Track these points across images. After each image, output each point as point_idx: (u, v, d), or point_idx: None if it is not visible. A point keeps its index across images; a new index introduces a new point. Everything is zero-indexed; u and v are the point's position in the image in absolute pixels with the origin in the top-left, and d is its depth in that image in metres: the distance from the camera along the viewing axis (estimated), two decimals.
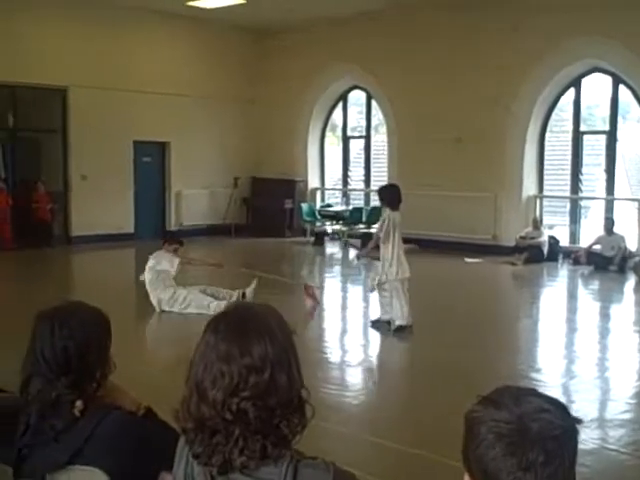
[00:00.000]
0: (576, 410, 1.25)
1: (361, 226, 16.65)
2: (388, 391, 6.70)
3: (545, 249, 13.92)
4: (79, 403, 2.25)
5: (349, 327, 8.31)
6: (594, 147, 15.01)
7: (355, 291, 11.88)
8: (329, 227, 17.66)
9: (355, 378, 7.09)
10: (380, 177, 17.46)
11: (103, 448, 2.21)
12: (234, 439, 1.62)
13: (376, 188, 16.92)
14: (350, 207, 17.55)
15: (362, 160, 18.21)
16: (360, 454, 4.88)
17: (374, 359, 7.86)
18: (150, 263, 9.29)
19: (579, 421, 1.33)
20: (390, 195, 8.33)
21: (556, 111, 15.03)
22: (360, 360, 7.72)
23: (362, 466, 4.51)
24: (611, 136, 14.25)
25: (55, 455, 2.23)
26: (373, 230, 16.17)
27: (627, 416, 5.74)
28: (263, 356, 1.64)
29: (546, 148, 15.08)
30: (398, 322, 8.12)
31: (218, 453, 1.64)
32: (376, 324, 8.43)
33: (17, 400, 3.39)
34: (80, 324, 2.32)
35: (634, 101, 13.98)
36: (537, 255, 13.74)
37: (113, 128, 15.75)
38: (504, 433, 1.28)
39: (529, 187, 14.92)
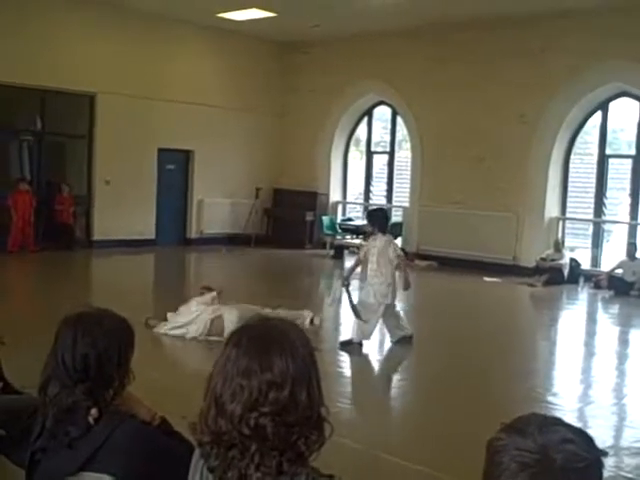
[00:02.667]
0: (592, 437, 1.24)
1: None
2: (403, 408, 6.66)
3: (566, 272, 13.81)
4: (94, 411, 2.24)
5: (364, 342, 8.27)
6: (619, 171, 14.90)
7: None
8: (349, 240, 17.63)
9: (368, 393, 7.05)
10: (402, 193, 17.45)
11: (116, 456, 2.21)
12: (250, 454, 1.61)
13: (398, 204, 17.19)
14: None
15: (385, 175, 18.19)
16: (373, 472, 4.85)
17: (388, 375, 7.82)
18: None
19: (604, 453, 1.30)
20: (380, 219, 8.50)
21: (581, 134, 14.95)
22: (376, 374, 7.70)
23: None
24: (637, 160, 14.14)
25: (68, 461, 2.23)
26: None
27: None
28: (284, 372, 1.63)
29: (570, 170, 15.00)
30: (354, 338, 8.10)
31: (234, 468, 1.63)
32: (397, 342, 8.42)
33: (32, 401, 3.40)
34: (103, 334, 2.31)
35: None
36: (557, 277, 13.62)
37: (139, 135, 15.86)
38: (528, 463, 1.25)
39: (552, 208, 14.83)
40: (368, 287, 8.23)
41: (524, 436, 1.28)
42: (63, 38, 14.73)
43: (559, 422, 1.33)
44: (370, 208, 9.34)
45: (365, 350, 8.14)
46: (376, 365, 8.14)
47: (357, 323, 8.18)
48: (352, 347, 8.05)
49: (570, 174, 15.00)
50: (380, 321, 8.30)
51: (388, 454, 5.13)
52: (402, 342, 8.39)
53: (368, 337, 8.18)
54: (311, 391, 1.66)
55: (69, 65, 14.75)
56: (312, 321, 8.41)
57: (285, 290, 12.40)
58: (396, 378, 7.72)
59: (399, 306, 8.75)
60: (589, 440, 1.31)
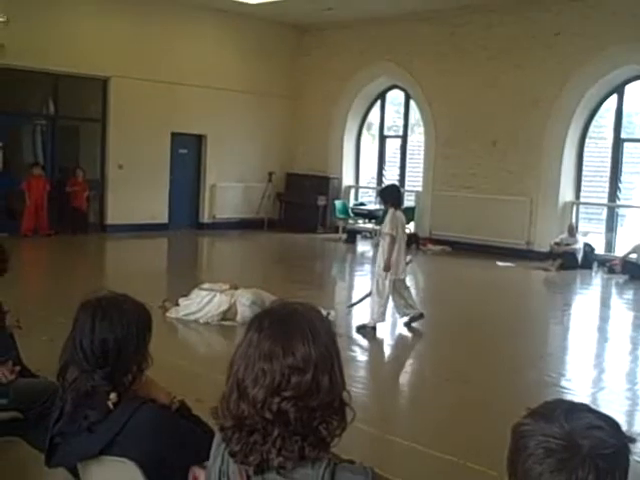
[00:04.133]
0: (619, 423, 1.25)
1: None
2: (416, 393, 6.66)
3: (580, 256, 13.74)
4: (113, 396, 2.25)
5: (378, 325, 8.29)
6: (634, 155, 14.78)
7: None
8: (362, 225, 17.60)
9: (382, 378, 7.06)
10: (415, 177, 17.39)
11: (135, 440, 2.22)
12: (272, 439, 1.61)
13: (411, 188, 17.14)
14: (383, 206, 17.45)
15: (397, 159, 18.12)
16: (386, 455, 4.86)
17: (402, 359, 7.83)
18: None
19: (632, 440, 1.29)
20: (394, 195, 8.42)
21: (596, 117, 14.82)
22: (387, 359, 7.71)
23: (386, 467, 4.49)
24: None
25: (87, 445, 2.24)
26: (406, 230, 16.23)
27: None
28: (306, 357, 1.62)
29: (585, 154, 14.88)
30: (369, 322, 8.12)
31: (255, 452, 1.62)
32: (409, 323, 8.43)
33: (49, 384, 3.43)
34: (122, 319, 2.31)
35: None
36: (571, 262, 13.56)
37: (152, 119, 15.85)
38: (554, 449, 1.24)
39: (566, 193, 14.74)
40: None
41: (550, 422, 1.27)
42: (75, 22, 14.69)
43: (586, 408, 1.32)
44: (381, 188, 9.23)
45: (379, 334, 8.14)
46: (389, 349, 8.15)
47: (371, 306, 8.19)
48: (366, 331, 8.06)
49: (584, 158, 14.89)
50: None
51: (401, 438, 5.15)
52: (414, 325, 8.39)
53: (380, 318, 8.17)
54: (333, 376, 1.65)
55: (82, 49, 14.73)
56: (327, 317, 8.38)
57: (298, 275, 12.41)
58: (409, 363, 7.72)
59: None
60: (616, 426, 1.30)
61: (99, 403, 2.24)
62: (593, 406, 1.36)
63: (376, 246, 8.82)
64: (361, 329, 8.10)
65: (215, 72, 16.90)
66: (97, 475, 2.30)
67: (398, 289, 8.30)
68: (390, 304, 8.32)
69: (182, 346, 7.78)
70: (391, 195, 8.41)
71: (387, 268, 8.03)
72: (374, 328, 8.12)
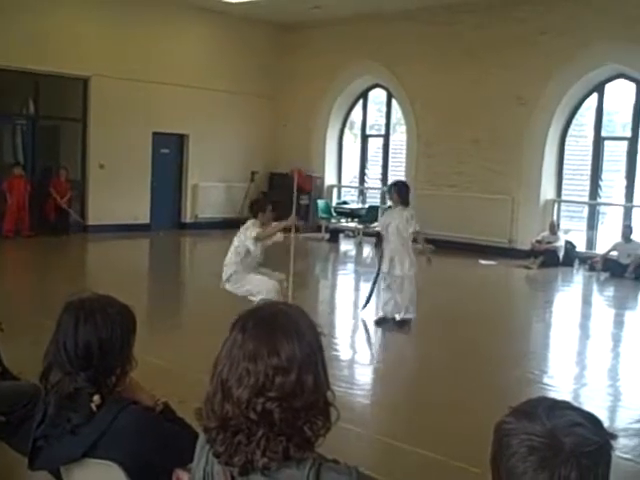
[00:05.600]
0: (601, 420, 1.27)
1: (376, 224, 16.58)
2: (399, 391, 6.67)
3: (561, 254, 13.84)
4: (96, 398, 2.23)
5: (361, 324, 8.32)
6: (614, 153, 14.89)
7: (367, 288, 11.81)
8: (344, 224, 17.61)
9: (366, 377, 7.08)
10: (397, 176, 17.36)
11: (119, 442, 2.21)
12: (257, 439, 1.60)
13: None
14: (366, 205, 17.53)
15: (380, 158, 18.15)
16: (370, 454, 4.87)
17: (385, 358, 7.85)
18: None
19: (613, 436, 1.30)
20: (406, 193, 8.52)
21: (576, 116, 14.92)
22: (370, 358, 7.73)
23: (372, 466, 4.50)
24: (633, 143, 14.12)
25: (71, 448, 2.23)
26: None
27: None
28: (291, 357, 1.62)
29: (566, 152, 14.98)
30: (409, 315, 8.32)
31: (240, 453, 1.61)
32: (379, 322, 8.53)
33: (31, 387, 3.40)
34: (106, 321, 2.29)
35: None
36: (552, 260, 13.66)
37: (133, 119, 15.77)
38: (537, 447, 1.25)
39: (547, 191, 14.83)
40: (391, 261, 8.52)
41: (532, 420, 1.28)
42: (56, 21, 14.59)
43: (567, 406, 1.33)
44: (395, 180, 9.32)
45: (361, 333, 8.17)
46: (372, 348, 8.16)
47: (405, 303, 8.31)
48: (386, 324, 8.32)
49: (565, 156, 15.00)
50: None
51: (385, 437, 5.16)
52: (391, 324, 8.48)
53: (401, 311, 8.34)
54: (317, 376, 1.65)
55: (62, 48, 14.64)
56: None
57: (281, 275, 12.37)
58: (392, 361, 7.73)
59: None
60: (598, 423, 1.31)
61: (82, 405, 2.23)
62: (575, 403, 1.38)
63: (375, 246, 8.93)
64: (380, 322, 8.35)
65: (197, 71, 16.84)
66: (80, 478, 2.29)
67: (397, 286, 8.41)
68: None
69: (166, 347, 7.74)
70: (406, 193, 8.50)
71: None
72: (394, 319, 8.37)
